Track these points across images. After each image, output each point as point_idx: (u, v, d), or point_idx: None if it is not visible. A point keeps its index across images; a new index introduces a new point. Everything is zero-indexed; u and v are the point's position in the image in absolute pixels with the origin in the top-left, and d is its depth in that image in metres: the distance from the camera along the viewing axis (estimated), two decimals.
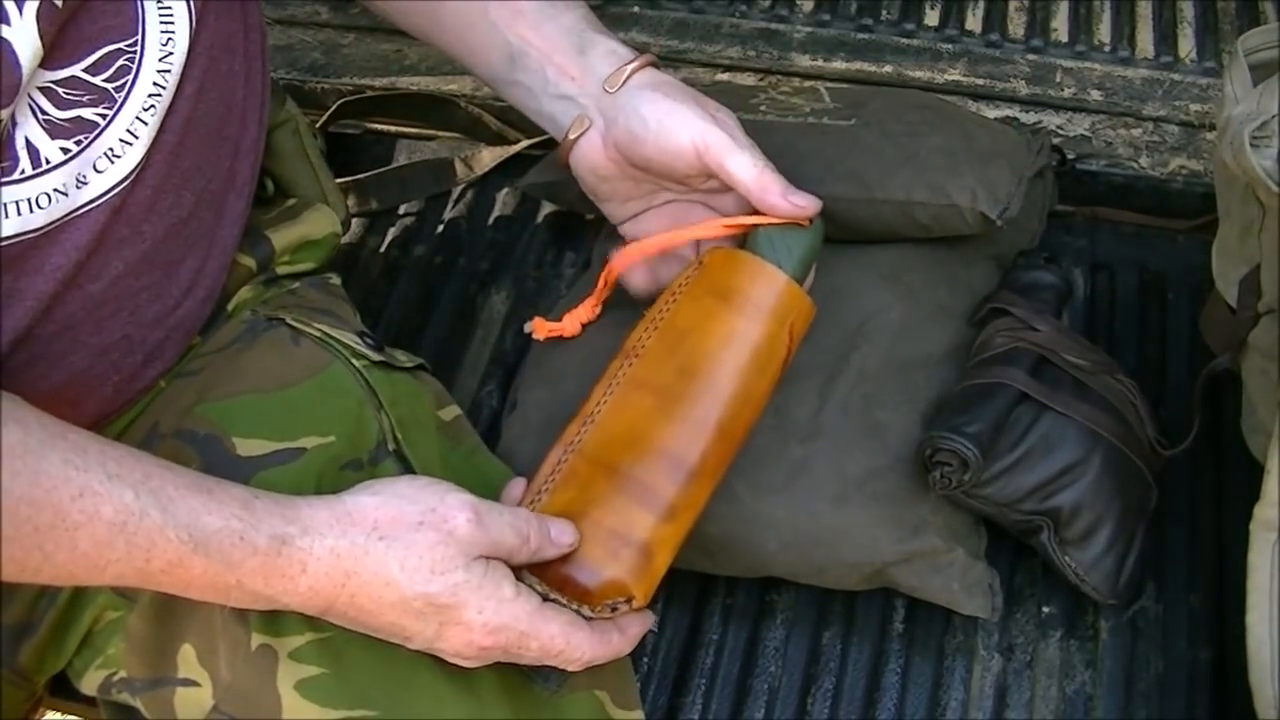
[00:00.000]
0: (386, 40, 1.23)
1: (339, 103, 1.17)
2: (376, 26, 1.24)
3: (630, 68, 0.82)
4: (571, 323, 0.92)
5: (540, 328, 0.93)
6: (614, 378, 0.78)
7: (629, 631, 0.74)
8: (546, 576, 0.72)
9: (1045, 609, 0.88)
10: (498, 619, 0.67)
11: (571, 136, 0.84)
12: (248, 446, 0.75)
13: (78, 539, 0.59)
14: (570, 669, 0.72)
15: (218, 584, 0.64)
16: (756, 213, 0.82)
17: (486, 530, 0.67)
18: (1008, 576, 0.89)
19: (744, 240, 0.83)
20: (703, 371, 0.77)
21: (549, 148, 1.10)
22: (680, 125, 0.80)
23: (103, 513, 0.60)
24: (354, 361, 0.80)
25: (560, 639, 0.69)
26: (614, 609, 0.72)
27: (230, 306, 0.83)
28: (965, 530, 0.87)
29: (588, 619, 0.72)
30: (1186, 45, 1.17)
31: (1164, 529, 0.89)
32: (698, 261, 0.81)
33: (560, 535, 0.71)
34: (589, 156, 0.85)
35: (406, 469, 0.78)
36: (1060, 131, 1.11)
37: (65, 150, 0.67)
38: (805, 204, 0.81)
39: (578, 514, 0.73)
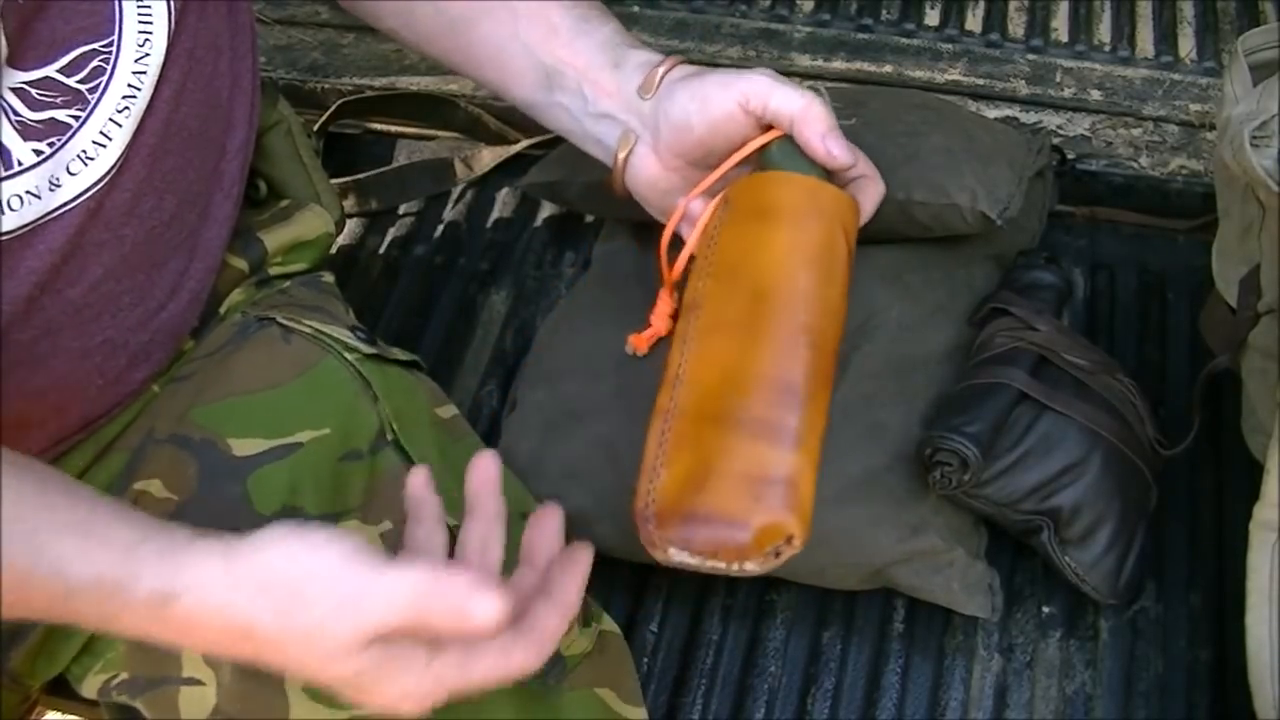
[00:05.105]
0: (386, 40, 1.22)
1: (339, 103, 1.17)
2: None
3: (660, 70, 0.79)
4: (660, 321, 0.88)
5: (639, 341, 0.88)
6: (685, 334, 0.74)
7: (547, 628, 0.61)
8: (695, 546, 0.67)
9: (1045, 609, 0.88)
10: (420, 690, 0.58)
11: (621, 155, 0.81)
12: (244, 446, 0.74)
13: None
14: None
15: (108, 629, 0.61)
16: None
17: (365, 619, 0.56)
18: (1008, 576, 0.89)
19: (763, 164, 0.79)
20: (772, 290, 0.73)
21: (549, 148, 1.10)
22: (718, 91, 0.77)
23: None
24: (346, 355, 0.80)
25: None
26: (777, 554, 0.68)
27: (222, 309, 0.83)
28: (965, 530, 0.87)
29: (753, 574, 0.68)
30: (1186, 45, 1.17)
31: (1164, 529, 0.89)
32: (723, 198, 0.78)
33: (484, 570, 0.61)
34: (644, 172, 0.81)
35: (405, 459, 0.77)
36: (1060, 131, 1.11)
37: (38, 152, 0.66)
38: (839, 155, 0.76)
39: (702, 475, 0.68)
